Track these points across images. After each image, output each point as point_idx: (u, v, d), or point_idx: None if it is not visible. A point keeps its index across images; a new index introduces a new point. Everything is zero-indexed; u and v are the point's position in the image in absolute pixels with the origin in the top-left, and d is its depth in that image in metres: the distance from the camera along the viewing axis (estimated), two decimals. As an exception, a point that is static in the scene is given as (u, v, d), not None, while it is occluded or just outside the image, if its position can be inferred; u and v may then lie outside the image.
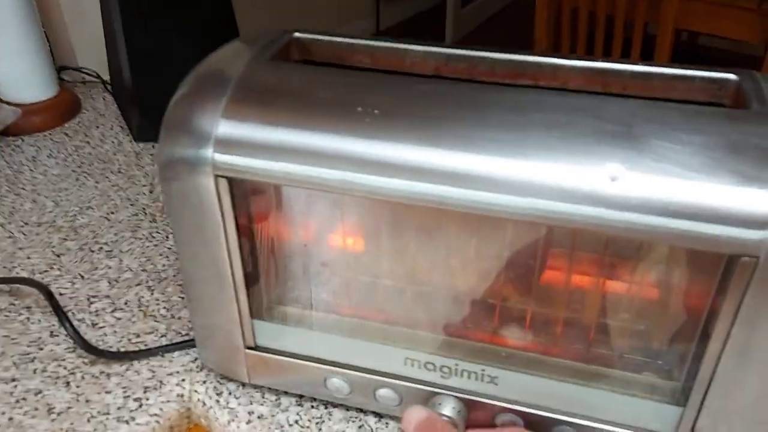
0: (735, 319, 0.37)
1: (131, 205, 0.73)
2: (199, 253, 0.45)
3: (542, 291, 0.45)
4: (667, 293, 0.44)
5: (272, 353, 0.49)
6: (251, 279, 0.46)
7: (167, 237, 0.68)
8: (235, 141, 0.40)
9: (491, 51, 0.44)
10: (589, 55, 0.45)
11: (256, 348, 0.49)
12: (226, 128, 0.40)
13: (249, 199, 0.43)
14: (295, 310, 0.49)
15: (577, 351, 0.46)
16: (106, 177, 0.77)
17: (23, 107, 0.86)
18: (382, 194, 0.39)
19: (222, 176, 0.40)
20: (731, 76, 0.40)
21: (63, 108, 0.89)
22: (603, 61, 0.43)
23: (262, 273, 0.47)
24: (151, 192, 0.75)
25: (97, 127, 0.88)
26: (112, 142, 0.84)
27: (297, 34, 0.47)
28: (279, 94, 0.41)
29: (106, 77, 0.95)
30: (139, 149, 0.83)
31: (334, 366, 0.48)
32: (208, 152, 0.40)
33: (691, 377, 0.41)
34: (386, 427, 0.50)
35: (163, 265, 0.64)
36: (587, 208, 0.36)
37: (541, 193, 0.37)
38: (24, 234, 0.68)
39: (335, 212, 0.46)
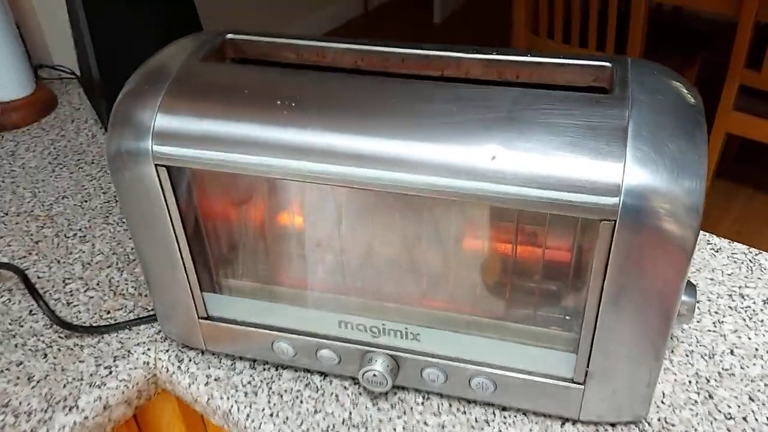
0: (605, 275, 0.42)
1: (104, 193, 0.78)
2: (150, 236, 0.51)
3: (457, 259, 0.51)
4: (565, 254, 0.49)
5: (223, 322, 0.55)
6: (198, 256, 0.52)
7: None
8: (171, 133, 0.46)
9: (401, 47, 0.50)
10: (496, 47, 0.49)
11: (208, 318, 0.55)
12: (162, 122, 0.46)
13: (189, 186, 0.49)
14: (240, 283, 0.55)
15: (489, 309, 0.51)
16: (81, 168, 0.83)
17: (2, 105, 0.91)
18: (298, 175, 0.44)
19: (161, 165, 0.46)
20: (606, 64, 0.46)
21: (40, 104, 0.95)
22: (498, 54, 0.48)
23: (208, 251, 0.53)
24: (122, 181, 0.80)
25: (72, 121, 0.93)
26: (87, 134, 0.90)
27: (230, 36, 0.52)
28: (209, 91, 0.46)
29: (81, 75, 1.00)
30: (112, 141, 0.88)
31: (278, 331, 0.54)
32: (148, 144, 0.46)
33: (581, 328, 0.47)
34: (330, 384, 0.56)
35: (132, 248, 0.70)
36: (473, 183, 0.42)
37: (434, 171, 0.42)
38: (4, 224, 0.74)
39: (271, 196, 0.51)
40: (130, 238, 0.71)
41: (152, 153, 0.46)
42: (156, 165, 0.46)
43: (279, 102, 0.45)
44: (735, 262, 0.67)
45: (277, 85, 0.46)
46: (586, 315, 0.45)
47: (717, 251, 0.68)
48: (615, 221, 0.40)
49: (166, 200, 0.48)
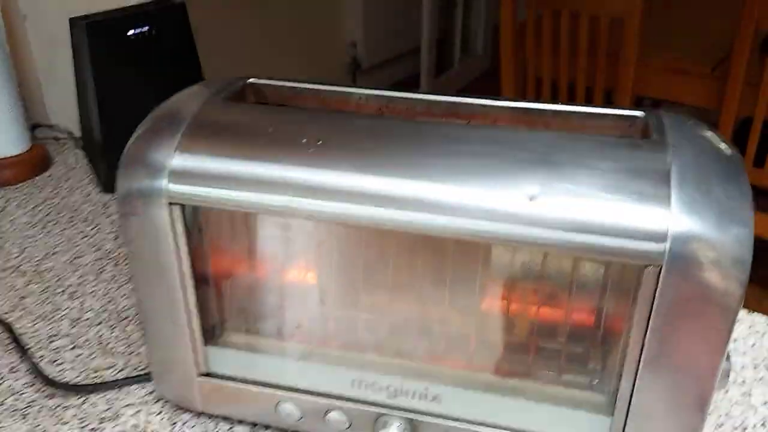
0: (647, 327, 0.40)
1: (96, 250, 0.75)
2: (154, 283, 0.47)
3: (481, 317, 0.48)
4: (593, 315, 0.47)
5: (224, 379, 0.51)
6: (204, 306, 0.48)
7: (130, 279, 0.70)
8: (188, 172, 0.43)
9: (428, 93, 0.49)
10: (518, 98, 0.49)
11: (209, 375, 0.51)
12: (179, 161, 0.44)
13: (201, 231, 0.46)
14: (246, 336, 0.51)
15: (515, 370, 0.48)
16: (74, 224, 0.79)
17: (-5, 161, 0.89)
18: (323, 218, 0.42)
19: (175, 203, 0.43)
20: (638, 113, 0.45)
21: (34, 162, 0.92)
22: (527, 101, 0.47)
23: (214, 300, 0.49)
24: (116, 238, 0.77)
25: (67, 180, 0.90)
26: (81, 193, 0.87)
27: (252, 80, 0.51)
28: (230, 129, 0.45)
29: (79, 135, 0.99)
30: (107, 200, 0.85)
31: (284, 390, 0.50)
32: (163, 183, 0.43)
33: (617, 388, 0.43)
34: (337, 453, 0.52)
35: (125, 306, 0.66)
36: (509, 225, 0.40)
37: (467, 213, 0.40)
38: (-11, 278, 0.69)
39: (285, 244, 0.49)
40: (123, 296, 0.67)
41: (167, 192, 0.43)
42: (170, 204, 0.44)
43: (304, 140, 0.43)
44: (756, 333, 0.65)
45: (303, 125, 0.45)
46: (624, 374, 0.42)
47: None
48: (661, 267, 0.38)
49: (176, 242, 0.45)
